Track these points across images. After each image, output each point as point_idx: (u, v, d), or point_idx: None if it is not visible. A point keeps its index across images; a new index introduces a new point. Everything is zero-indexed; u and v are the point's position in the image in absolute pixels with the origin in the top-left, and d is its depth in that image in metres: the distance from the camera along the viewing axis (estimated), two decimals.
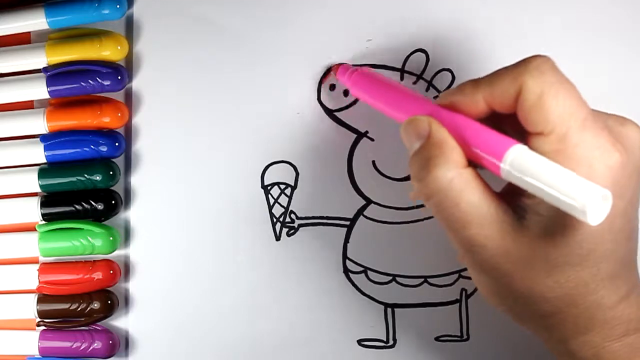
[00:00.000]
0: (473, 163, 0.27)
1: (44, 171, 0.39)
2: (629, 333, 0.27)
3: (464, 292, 0.37)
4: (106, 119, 0.38)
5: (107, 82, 0.38)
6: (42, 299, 0.39)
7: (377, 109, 0.33)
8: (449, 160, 0.27)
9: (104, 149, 0.38)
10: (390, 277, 0.37)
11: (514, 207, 0.27)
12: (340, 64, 0.37)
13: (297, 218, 0.38)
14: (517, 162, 0.25)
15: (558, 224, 0.26)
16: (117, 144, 0.38)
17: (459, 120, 0.28)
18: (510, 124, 0.27)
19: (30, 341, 0.39)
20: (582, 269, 0.26)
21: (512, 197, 0.27)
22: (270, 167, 0.38)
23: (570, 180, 0.23)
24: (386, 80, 0.34)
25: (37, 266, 0.39)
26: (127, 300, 0.39)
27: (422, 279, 0.37)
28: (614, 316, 0.26)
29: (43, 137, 0.39)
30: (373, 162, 0.37)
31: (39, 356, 0.39)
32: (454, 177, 0.27)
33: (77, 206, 0.38)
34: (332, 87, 0.37)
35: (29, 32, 0.40)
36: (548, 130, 0.25)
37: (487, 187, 0.27)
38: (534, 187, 0.24)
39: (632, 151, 0.26)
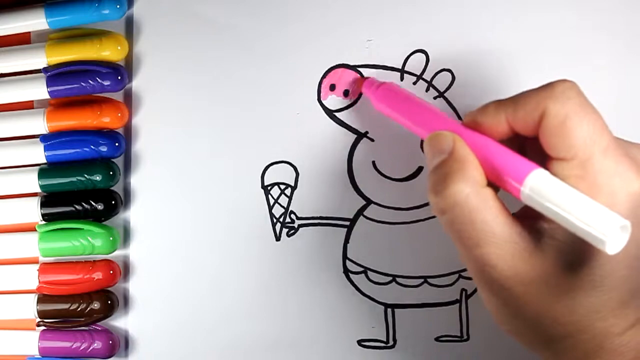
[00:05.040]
0: (492, 185, 0.27)
1: (44, 171, 0.39)
2: None
3: (464, 292, 0.37)
4: (106, 119, 0.38)
5: (107, 82, 0.38)
6: (42, 299, 0.39)
7: (401, 124, 0.33)
8: (468, 176, 0.27)
9: (104, 149, 0.38)
10: (390, 278, 0.37)
11: (530, 230, 0.27)
12: (366, 77, 0.37)
13: (297, 218, 0.38)
14: (538, 186, 0.25)
15: (574, 249, 0.25)
16: (117, 144, 0.38)
17: (481, 141, 0.28)
18: (532, 147, 0.27)
19: (30, 341, 0.39)
20: (595, 295, 0.26)
21: (528, 220, 0.27)
22: (270, 167, 0.38)
23: (590, 208, 0.23)
24: (411, 96, 0.34)
25: (37, 266, 0.39)
26: (126, 301, 0.39)
27: (422, 279, 0.37)
28: (622, 343, 0.26)
29: (43, 137, 0.39)
30: (373, 162, 0.37)
31: (39, 356, 0.39)
32: (471, 193, 0.26)
33: (77, 206, 0.38)
34: (332, 87, 0.37)
35: (29, 32, 0.40)
36: (570, 156, 0.25)
37: (504, 208, 0.27)
38: (553, 213, 0.24)
39: None
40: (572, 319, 0.26)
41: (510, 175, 0.26)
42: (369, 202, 0.37)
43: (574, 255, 0.26)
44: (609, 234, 0.22)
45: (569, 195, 0.24)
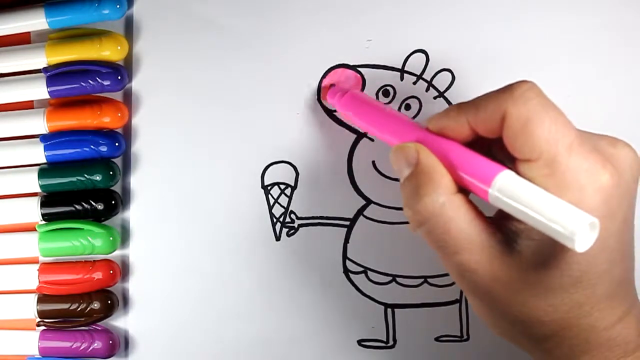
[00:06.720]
0: (463, 189, 0.27)
1: (44, 171, 0.39)
2: (627, 355, 0.26)
3: (463, 292, 0.37)
4: (106, 119, 0.38)
5: (107, 82, 0.38)
6: (42, 299, 0.39)
7: (367, 131, 0.33)
8: (439, 187, 0.27)
9: (104, 149, 0.38)
10: (390, 278, 0.37)
11: (506, 232, 0.27)
12: (330, 85, 0.37)
13: (297, 218, 0.38)
14: (505, 188, 0.25)
15: (550, 247, 0.25)
16: (117, 144, 0.38)
17: (447, 146, 0.28)
18: (500, 148, 0.27)
19: (30, 341, 0.39)
20: (575, 291, 0.26)
21: (504, 222, 0.27)
22: (270, 167, 0.38)
23: (558, 207, 0.23)
24: (375, 104, 0.34)
25: (37, 266, 0.39)
26: (126, 300, 0.39)
27: (422, 279, 0.37)
28: (609, 338, 0.26)
29: (43, 137, 0.39)
30: (373, 162, 0.37)
31: (39, 356, 0.39)
32: (444, 203, 0.27)
33: (77, 206, 0.38)
34: (332, 87, 0.37)
35: (29, 32, 0.40)
36: (535, 157, 0.25)
37: (477, 212, 0.27)
38: (521, 214, 0.24)
39: (624, 172, 0.26)
40: (556, 317, 0.26)
41: (477, 178, 0.26)
42: (369, 202, 0.37)
43: (552, 253, 0.26)
44: (577, 232, 0.22)
45: (536, 195, 0.24)
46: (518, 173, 0.26)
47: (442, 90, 0.36)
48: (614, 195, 0.25)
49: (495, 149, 0.28)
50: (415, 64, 0.37)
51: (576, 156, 0.25)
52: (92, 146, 0.38)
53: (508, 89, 0.26)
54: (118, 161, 0.39)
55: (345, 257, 0.38)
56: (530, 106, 0.25)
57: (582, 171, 0.25)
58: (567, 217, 0.23)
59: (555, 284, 0.26)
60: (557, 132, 0.25)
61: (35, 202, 0.39)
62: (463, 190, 0.27)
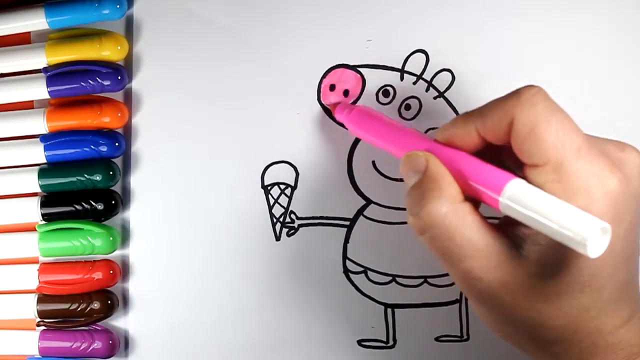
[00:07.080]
0: (472, 198, 0.27)
1: (44, 171, 0.39)
2: (630, 358, 0.26)
3: (467, 298, 0.37)
4: (106, 119, 0.38)
5: (107, 82, 0.38)
6: (42, 299, 0.39)
7: (376, 146, 0.33)
8: (444, 194, 0.27)
9: (104, 149, 0.38)
10: (390, 278, 0.37)
11: (513, 238, 0.27)
12: (337, 103, 0.37)
13: (297, 218, 0.38)
14: (516, 196, 0.25)
15: (557, 252, 0.25)
16: (117, 144, 0.38)
17: (456, 156, 0.28)
18: (509, 155, 0.27)
19: (30, 341, 0.39)
20: (583, 296, 0.26)
21: (510, 228, 0.27)
22: (270, 167, 0.38)
23: (569, 213, 0.23)
24: (383, 118, 0.34)
25: (37, 266, 0.39)
26: (126, 300, 0.39)
27: (422, 279, 0.37)
28: (614, 341, 0.26)
29: (43, 137, 0.39)
30: (373, 162, 0.37)
31: (39, 356, 0.39)
32: (448, 211, 0.27)
33: (77, 206, 0.38)
34: (332, 87, 0.37)
35: (29, 32, 0.40)
36: (543, 162, 0.25)
37: (483, 220, 0.27)
38: (533, 221, 0.24)
39: (631, 176, 0.26)
40: (564, 322, 0.26)
41: (488, 187, 0.26)
42: (369, 202, 0.37)
43: (559, 258, 0.26)
44: (589, 238, 0.23)
45: (547, 202, 0.24)
46: (526, 179, 0.26)
47: (442, 90, 0.36)
48: (622, 199, 0.25)
49: (505, 156, 0.28)
50: (415, 64, 0.37)
51: (584, 160, 0.25)
52: (92, 146, 0.38)
53: (515, 94, 0.26)
54: (118, 161, 0.39)
55: (345, 257, 0.38)
56: (537, 111, 0.25)
57: (590, 176, 0.25)
58: (578, 223, 0.23)
59: (564, 288, 0.26)
60: (564, 136, 0.25)
61: (35, 202, 0.39)
62: (471, 199, 0.27)
